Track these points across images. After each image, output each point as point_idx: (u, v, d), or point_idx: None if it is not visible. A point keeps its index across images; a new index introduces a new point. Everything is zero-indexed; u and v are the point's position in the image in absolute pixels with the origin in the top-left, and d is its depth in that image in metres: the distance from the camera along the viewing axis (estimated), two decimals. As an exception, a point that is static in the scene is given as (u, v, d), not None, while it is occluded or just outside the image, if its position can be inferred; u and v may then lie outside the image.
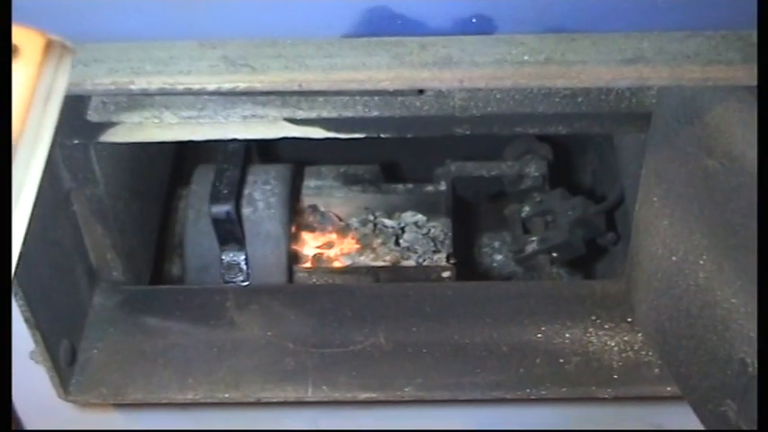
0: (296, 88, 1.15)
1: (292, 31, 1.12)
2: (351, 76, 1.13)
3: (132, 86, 1.15)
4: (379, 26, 1.09)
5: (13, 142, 0.77)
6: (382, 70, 1.13)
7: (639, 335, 1.65)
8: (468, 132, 1.55)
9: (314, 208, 2.07)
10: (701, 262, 1.37)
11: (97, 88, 1.15)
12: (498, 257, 2.21)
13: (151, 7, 1.11)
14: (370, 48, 1.13)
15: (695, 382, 1.46)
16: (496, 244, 2.23)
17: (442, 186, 2.08)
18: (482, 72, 1.13)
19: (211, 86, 1.15)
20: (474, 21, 1.08)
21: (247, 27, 1.12)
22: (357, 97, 1.53)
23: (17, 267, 1.38)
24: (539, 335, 1.66)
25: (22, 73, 0.77)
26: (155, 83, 1.15)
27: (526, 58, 1.12)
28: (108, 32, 1.13)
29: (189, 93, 1.16)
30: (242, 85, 1.15)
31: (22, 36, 0.78)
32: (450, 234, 2.01)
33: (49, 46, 0.79)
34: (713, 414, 1.42)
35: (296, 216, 1.99)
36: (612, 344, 1.64)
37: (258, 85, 1.15)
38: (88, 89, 1.15)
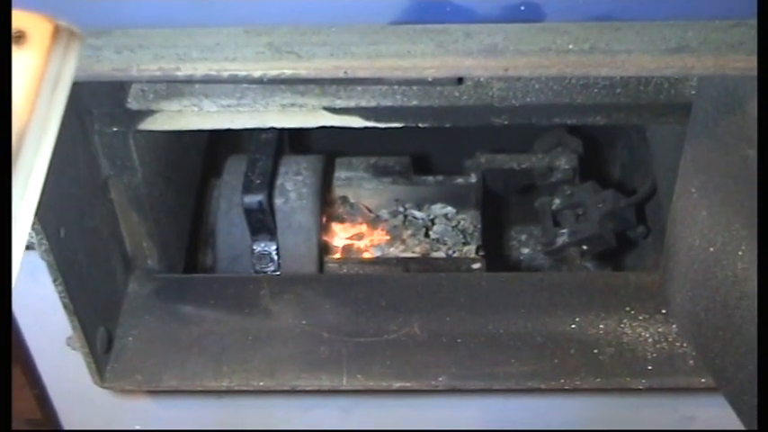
0: (341, 75, 1.15)
1: (340, 17, 1.12)
2: (396, 63, 1.14)
3: (178, 72, 1.15)
4: (428, 13, 1.09)
5: (21, 130, 0.76)
6: (427, 58, 1.13)
7: (674, 326, 1.65)
8: (506, 122, 1.55)
9: (344, 199, 2.07)
10: (740, 253, 1.37)
11: (143, 74, 1.16)
12: (526, 251, 2.21)
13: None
14: (415, 35, 1.13)
15: (731, 373, 1.46)
16: (524, 237, 2.24)
17: (472, 179, 2.08)
18: (527, 60, 1.13)
19: (257, 73, 1.15)
20: (522, 8, 1.08)
21: (294, 14, 1.12)
22: (396, 87, 1.53)
23: (56, 249, 1.39)
24: (573, 325, 1.66)
25: (29, 59, 0.77)
26: (200, 69, 1.15)
27: (571, 46, 1.12)
28: (154, 18, 1.13)
29: (234, 80, 1.16)
30: (287, 72, 1.15)
31: (28, 22, 0.77)
32: (479, 226, 2.01)
33: (56, 32, 0.78)
34: (749, 406, 1.42)
35: (326, 207, 1.99)
36: (647, 335, 1.65)
37: (303, 72, 1.15)
38: (134, 75, 1.16)
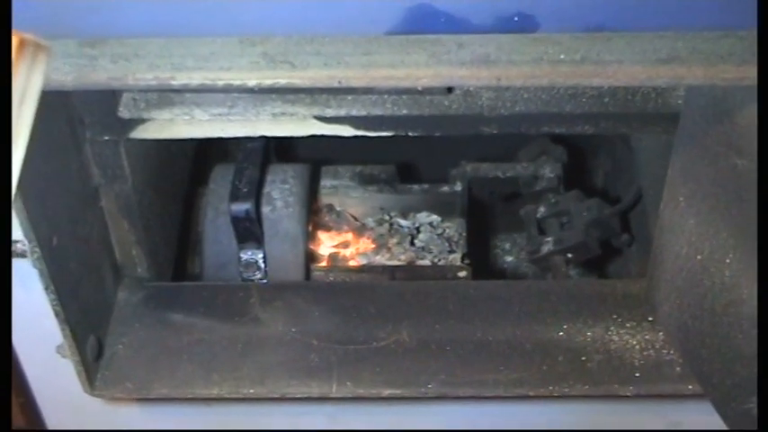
0: (335, 85, 1.16)
1: (336, 28, 1.13)
2: (389, 73, 1.14)
3: (173, 82, 1.16)
4: (423, 23, 1.10)
5: None
6: (420, 68, 1.14)
7: (661, 333, 1.66)
8: (495, 131, 1.56)
9: (330, 207, 2.08)
10: (728, 260, 1.38)
11: (138, 83, 1.16)
12: (510, 259, 2.22)
13: (192, 3, 1.12)
14: (408, 45, 1.14)
15: (718, 379, 1.47)
16: (507, 245, 2.25)
17: (458, 187, 2.09)
18: (519, 70, 1.14)
19: (252, 82, 1.16)
20: (516, 19, 1.10)
21: (289, 24, 1.13)
22: (386, 96, 1.54)
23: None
24: (561, 333, 1.67)
25: None
26: (196, 78, 1.15)
27: (563, 56, 1.14)
28: (149, 28, 1.14)
29: (229, 89, 1.17)
30: (282, 82, 1.15)
31: None
32: (464, 235, 2.02)
33: (22, 45, 0.78)
34: (736, 412, 1.43)
35: (312, 215, 2.00)
36: (634, 342, 1.66)
37: (298, 82, 1.16)
38: (129, 84, 1.16)
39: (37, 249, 1.39)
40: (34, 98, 0.81)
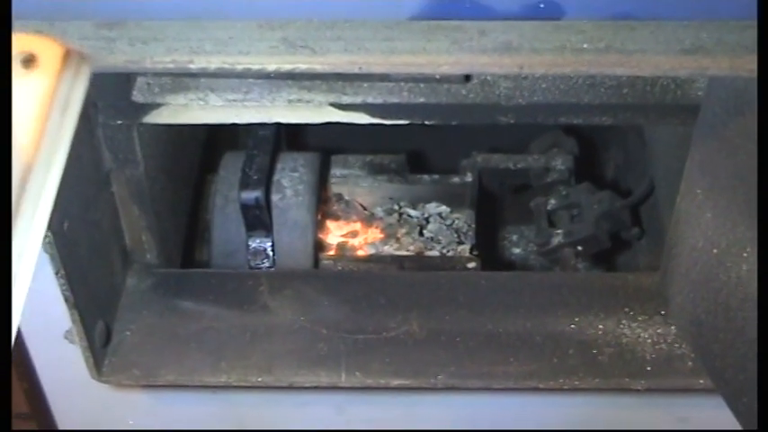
0: (356, 70, 1.14)
1: (357, 13, 1.12)
2: (410, 59, 1.13)
3: (192, 65, 1.14)
4: (448, 9, 1.09)
5: (31, 153, 0.76)
6: (442, 55, 1.13)
7: (673, 327, 1.65)
8: (512, 121, 1.55)
9: (339, 196, 2.07)
10: (745, 254, 1.37)
11: (156, 66, 1.14)
12: (517, 251, 2.22)
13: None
14: (430, 32, 1.12)
15: (730, 375, 1.46)
16: (515, 237, 2.24)
17: (468, 178, 2.09)
18: (542, 58, 1.12)
19: (271, 67, 1.14)
20: (542, 6, 1.09)
21: (310, 9, 1.12)
22: (402, 83, 1.53)
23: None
24: (572, 325, 1.66)
25: (39, 82, 0.77)
26: (214, 62, 1.14)
27: (586, 45, 1.12)
28: (167, 11, 1.13)
29: (248, 74, 1.15)
30: (302, 67, 1.14)
31: (39, 45, 0.77)
32: (473, 226, 2.01)
33: (67, 55, 0.78)
34: (749, 407, 1.42)
35: (322, 204, 1.99)
36: (646, 336, 1.65)
37: (318, 67, 1.14)
38: (147, 67, 1.14)
39: (48, 234, 1.38)
40: (77, 109, 0.82)
